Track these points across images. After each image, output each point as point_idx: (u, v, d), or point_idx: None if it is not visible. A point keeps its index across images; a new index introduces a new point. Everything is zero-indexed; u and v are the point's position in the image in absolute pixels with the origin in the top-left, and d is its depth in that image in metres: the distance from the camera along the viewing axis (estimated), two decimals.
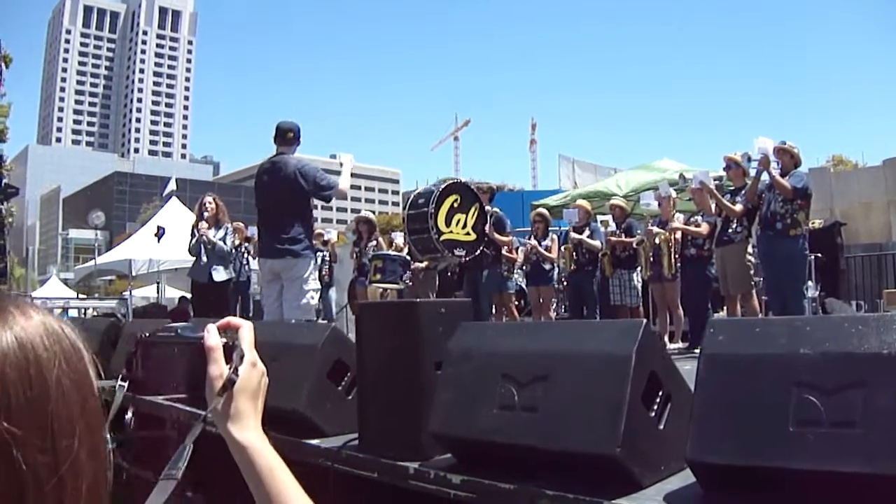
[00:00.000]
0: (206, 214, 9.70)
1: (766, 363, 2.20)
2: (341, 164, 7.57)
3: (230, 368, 1.20)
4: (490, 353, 2.91)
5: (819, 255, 12.48)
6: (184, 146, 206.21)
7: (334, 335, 4.00)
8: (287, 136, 7.19)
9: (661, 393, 2.55)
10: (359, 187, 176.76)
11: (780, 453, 2.06)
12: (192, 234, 9.80)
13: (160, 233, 15.47)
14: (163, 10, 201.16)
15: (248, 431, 1.20)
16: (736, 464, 2.15)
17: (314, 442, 3.63)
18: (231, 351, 1.22)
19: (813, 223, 14.42)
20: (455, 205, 8.23)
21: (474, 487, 2.70)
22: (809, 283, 11.89)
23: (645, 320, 2.57)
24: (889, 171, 21.85)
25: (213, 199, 9.99)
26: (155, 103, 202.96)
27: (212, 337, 1.21)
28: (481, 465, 2.80)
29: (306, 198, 7.09)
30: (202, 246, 9.59)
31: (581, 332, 2.78)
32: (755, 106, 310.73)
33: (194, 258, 9.81)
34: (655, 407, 2.53)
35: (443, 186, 8.26)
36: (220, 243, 9.61)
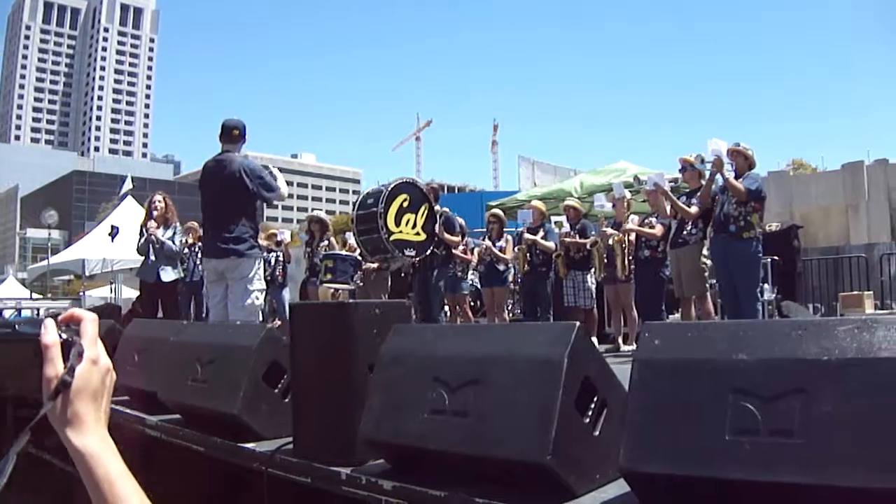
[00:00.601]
0: (154, 213, 9.58)
1: (702, 369, 2.10)
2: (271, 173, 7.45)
3: (66, 368, 1.06)
4: (422, 357, 2.81)
5: (776, 257, 12.50)
6: (145, 145, 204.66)
7: (270, 336, 3.89)
8: (233, 134, 7.05)
9: (595, 398, 2.45)
10: (320, 187, 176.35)
11: (716, 462, 1.96)
12: (141, 234, 9.67)
13: (114, 232, 15.27)
14: (124, 7, 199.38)
15: (87, 437, 1.07)
16: (670, 473, 2.05)
17: (249, 445, 3.55)
18: (70, 348, 1.08)
19: (770, 226, 14.50)
20: (405, 204, 8.19)
21: (405, 494, 2.62)
22: (766, 285, 11.91)
23: (578, 323, 2.43)
24: (848, 176, 22.09)
25: (163, 199, 9.86)
26: (116, 101, 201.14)
27: (49, 333, 1.07)
28: (415, 470, 2.72)
29: (251, 197, 6.94)
30: (150, 245, 9.47)
31: (514, 336, 2.68)
32: (717, 108, 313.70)
33: (143, 258, 9.68)
34: (590, 413, 2.43)
35: (392, 186, 8.20)
36: (169, 243, 9.51)
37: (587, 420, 2.42)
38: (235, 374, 3.75)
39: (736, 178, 7.85)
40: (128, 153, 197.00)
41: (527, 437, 2.29)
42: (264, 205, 7.47)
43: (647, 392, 2.19)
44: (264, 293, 7.21)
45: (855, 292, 14.11)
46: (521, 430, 2.33)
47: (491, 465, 2.44)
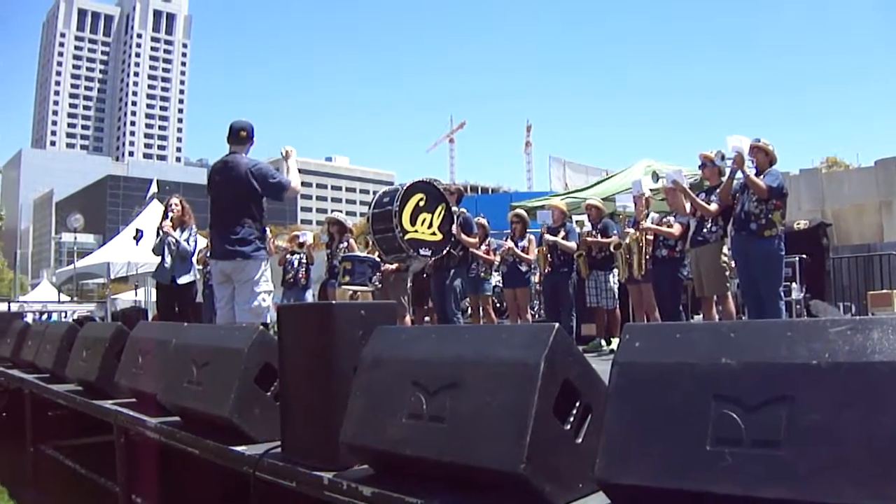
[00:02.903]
0: (170, 215, 9.59)
1: (684, 373, 1.95)
2: (285, 158, 7.26)
3: None
4: (401, 359, 2.70)
5: (804, 256, 12.31)
6: (179, 149, 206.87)
7: (262, 339, 3.79)
8: (240, 136, 6.99)
9: (578, 404, 2.31)
10: (354, 189, 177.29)
11: (696, 475, 1.81)
12: (157, 235, 9.70)
13: (138, 236, 15.37)
14: (157, 14, 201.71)
15: None
16: (649, 485, 1.91)
17: (239, 449, 3.47)
18: None
19: (798, 224, 14.26)
20: (420, 204, 8.12)
21: (383, 500, 2.52)
22: (794, 284, 11.73)
23: (557, 325, 2.30)
24: (881, 172, 21.68)
25: (180, 202, 9.89)
26: (150, 106, 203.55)
27: None
28: (397, 476, 2.61)
29: (258, 198, 6.86)
30: (166, 247, 9.46)
31: (492, 338, 2.54)
32: (752, 106, 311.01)
33: (158, 259, 9.70)
34: (571, 419, 2.29)
35: (408, 185, 8.14)
36: (184, 243, 9.49)
37: (568, 427, 2.28)
38: (227, 377, 3.68)
39: (757, 174, 7.67)
40: (162, 157, 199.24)
41: (501, 445, 2.16)
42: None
43: (625, 398, 2.05)
44: (272, 294, 7.11)
45: (884, 291, 13.81)
46: (495, 437, 2.20)
47: (468, 473, 2.33)
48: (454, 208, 8.91)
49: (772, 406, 1.76)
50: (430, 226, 8.14)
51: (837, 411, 1.67)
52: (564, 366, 2.28)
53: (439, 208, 8.28)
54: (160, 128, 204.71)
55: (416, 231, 8.00)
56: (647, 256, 9.18)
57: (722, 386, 1.86)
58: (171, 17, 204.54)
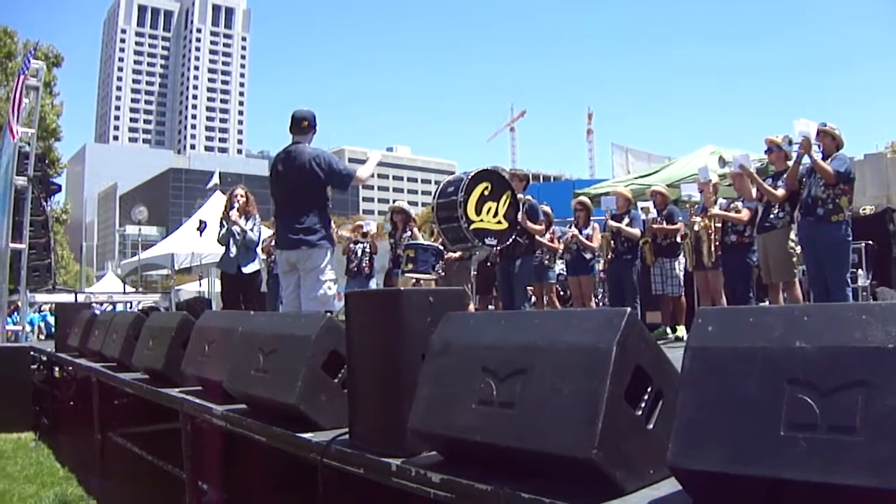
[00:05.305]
0: (236, 205, 9.69)
1: (757, 357, 1.92)
2: (367, 158, 7.37)
3: None
4: (471, 345, 2.68)
5: (870, 242, 12.06)
6: (240, 141, 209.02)
7: (329, 325, 3.80)
8: (302, 125, 7.05)
9: (650, 389, 2.29)
10: (415, 179, 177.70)
11: (770, 461, 1.79)
12: (221, 225, 9.80)
13: (202, 227, 15.57)
14: (216, 8, 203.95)
15: None
16: (720, 471, 1.88)
17: (306, 436, 3.49)
18: None
19: (863, 210, 13.94)
20: (486, 192, 8.10)
21: (452, 487, 2.52)
22: (860, 271, 11.50)
23: (629, 309, 2.29)
24: None
25: (245, 193, 10.00)
26: (210, 100, 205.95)
27: None
28: (465, 462, 2.61)
29: (322, 187, 6.92)
30: (231, 236, 9.57)
31: (562, 323, 2.52)
32: (814, 90, 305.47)
33: (223, 249, 9.81)
34: (643, 405, 2.28)
35: (473, 174, 8.12)
36: (250, 233, 9.61)
37: (639, 412, 2.26)
38: (294, 364, 3.70)
39: (823, 159, 7.55)
40: (223, 150, 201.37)
41: (572, 431, 2.15)
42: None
43: (698, 382, 2.02)
44: (336, 283, 7.15)
45: None
46: (566, 422, 2.18)
47: (538, 459, 2.31)
48: (520, 195, 8.87)
49: (847, 391, 1.73)
50: (496, 214, 8.14)
51: None
52: (636, 351, 2.26)
53: (505, 196, 8.27)
54: (221, 121, 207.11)
55: (481, 220, 8.00)
56: (716, 243, 9.10)
57: (796, 370, 1.83)
58: (229, 12, 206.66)
